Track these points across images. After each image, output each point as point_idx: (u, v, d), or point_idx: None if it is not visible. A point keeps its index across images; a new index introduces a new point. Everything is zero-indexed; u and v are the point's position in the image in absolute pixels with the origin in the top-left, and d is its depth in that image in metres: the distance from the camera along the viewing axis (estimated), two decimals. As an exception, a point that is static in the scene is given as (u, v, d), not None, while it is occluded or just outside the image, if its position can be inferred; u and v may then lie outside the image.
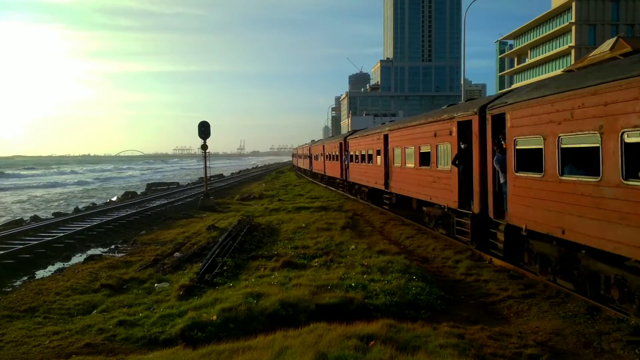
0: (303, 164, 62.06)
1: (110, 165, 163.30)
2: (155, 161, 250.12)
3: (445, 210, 14.33)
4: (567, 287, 8.93)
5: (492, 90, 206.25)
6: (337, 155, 32.61)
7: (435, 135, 14.77)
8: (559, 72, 58.49)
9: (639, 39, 47.72)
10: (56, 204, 40.05)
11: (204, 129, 27.93)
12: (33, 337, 8.04)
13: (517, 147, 10.02)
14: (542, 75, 73.48)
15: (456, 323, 7.70)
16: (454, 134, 13.34)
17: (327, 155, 37.56)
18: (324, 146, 39.83)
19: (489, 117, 11.49)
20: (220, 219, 21.25)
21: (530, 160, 9.60)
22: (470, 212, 12.55)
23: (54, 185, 66.95)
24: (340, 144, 30.80)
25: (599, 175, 7.51)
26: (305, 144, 64.29)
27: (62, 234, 17.87)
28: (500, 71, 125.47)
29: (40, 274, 13.40)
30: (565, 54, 74.22)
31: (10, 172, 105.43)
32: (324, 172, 39.76)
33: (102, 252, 16.24)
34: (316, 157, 45.61)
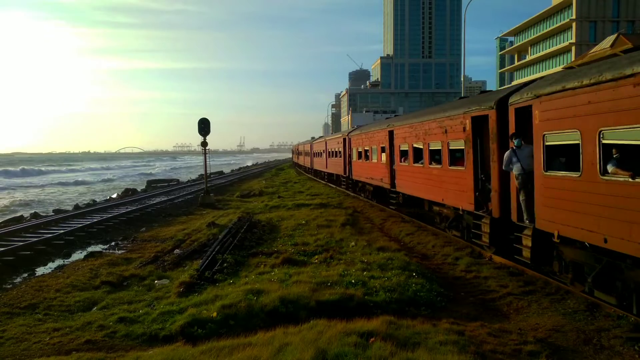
0: (329, 165, 38.19)
1: (128, 162, 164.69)
2: (167, 158, 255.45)
3: None
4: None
5: (492, 87, 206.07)
6: (456, 151, 13.50)
7: None
8: (559, 69, 58.37)
9: (640, 35, 47.61)
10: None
11: (204, 126, 27.90)
12: (33, 334, 8.05)
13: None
14: (543, 72, 73.34)
15: (456, 320, 7.71)
16: None
17: (414, 152, 16.88)
18: (391, 133, 19.68)
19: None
20: (220, 216, 21.25)
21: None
22: None
23: (105, 180, 70.67)
24: (478, 118, 12.16)
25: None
26: (338, 133, 37.60)
27: (62, 231, 17.86)
28: (500, 68, 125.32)
29: (40, 270, 13.40)
30: (565, 50, 74.08)
31: (47, 168, 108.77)
32: (402, 187, 18.56)
33: (103, 249, 16.25)
34: (363, 155, 25.30)
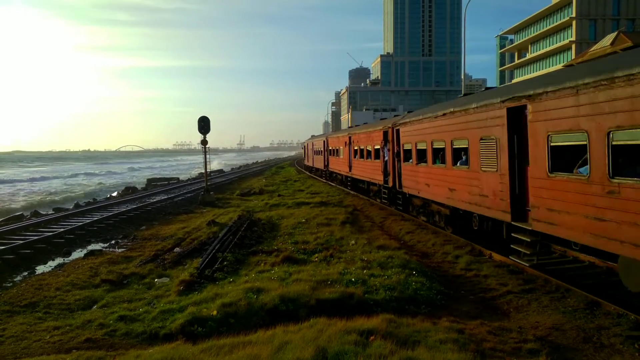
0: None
1: (144, 161, 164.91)
2: (179, 155, 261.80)
3: None
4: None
5: (492, 84, 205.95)
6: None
7: None
8: (559, 67, 58.32)
9: (640, 33, 47.54)
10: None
11: (204, 124, 27.86)
12: (34, 332, 8.05)
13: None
14: (543, 70, 73.29)
15: (456, 318, 7.71)
16: None
17: None
18: (350, 138, 28.84)
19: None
20: (221, 215, 21.25)
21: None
22: None
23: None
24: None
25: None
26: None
27: (62, 229, 17.87)
28: (500, 66, 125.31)
29: (40, 269, 13.41)
30: (565, 48, 74.00)
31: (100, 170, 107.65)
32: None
33: (103, 247, 16.24)
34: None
